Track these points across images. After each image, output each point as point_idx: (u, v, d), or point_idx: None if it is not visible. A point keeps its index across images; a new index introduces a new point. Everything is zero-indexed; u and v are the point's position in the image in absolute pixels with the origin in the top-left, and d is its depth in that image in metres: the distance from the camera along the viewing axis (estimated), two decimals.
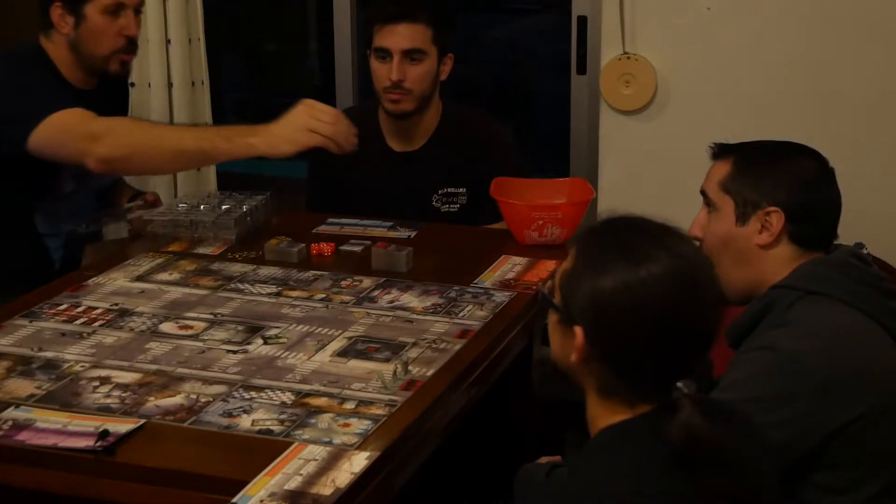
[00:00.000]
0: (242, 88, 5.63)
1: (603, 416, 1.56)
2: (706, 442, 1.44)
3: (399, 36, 2.92)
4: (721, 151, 2.12)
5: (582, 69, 3.59)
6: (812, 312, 1.95)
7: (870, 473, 1.92)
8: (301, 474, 1.72)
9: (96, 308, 2.37)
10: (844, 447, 1.89)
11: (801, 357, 1.89)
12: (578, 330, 1.53)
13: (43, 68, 2.81)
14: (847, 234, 2.20)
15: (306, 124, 2.60)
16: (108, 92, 2.92)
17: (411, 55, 2.93)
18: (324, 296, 2.44)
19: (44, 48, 2.84)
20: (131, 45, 2.86)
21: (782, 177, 2.03)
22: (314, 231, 2.85)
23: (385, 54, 2.93)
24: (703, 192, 2.12)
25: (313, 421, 1.89)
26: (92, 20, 2.79)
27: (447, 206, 3.06)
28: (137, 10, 2.85)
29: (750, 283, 2.06)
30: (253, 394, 1.99)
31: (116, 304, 2.39)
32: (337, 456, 1.78)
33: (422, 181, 3.03)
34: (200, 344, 2.20)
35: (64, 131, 2.65)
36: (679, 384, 1.46)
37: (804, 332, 1.92)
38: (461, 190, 3.06)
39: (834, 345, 1.91)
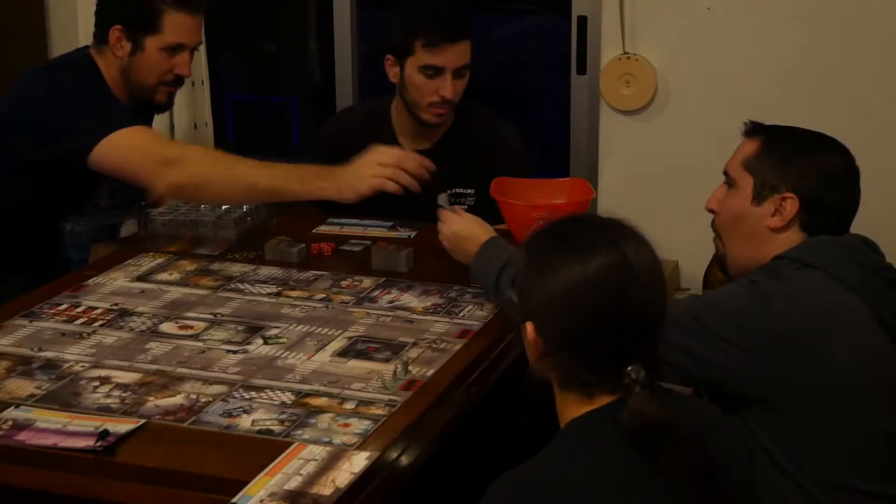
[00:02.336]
0: (242, 88, 5.63)
1: (567, 409, 1.60)
2: (657, 424, 1.48)
3: (454, 55, 2.93)
4: (753, 129, 2.13)
5: (582, 69, 3.59)
6: (805, 280, 1.97)
7: (823, 447, 1.91)
8: (301, 474, 1.72)
9: (96, 308, 2.37)
10: (794, 412, 1.90)
11: (777, 301, 1.91)
12: (529, 325, 1.60)
13: (97, 81, 2.78)
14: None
15: (369, 172, 2.57)
16: (143, 111, 2.90)
17: (460, 71, 2.95)
18: (324, 296, 2.44)
19: (94, 60, 2.81)
20: (179, 80, 2.85)
21: (806, 166, 2.05)
22: (314, 231, 2.85)
23: (435, 72, 2.93)
24: (725, 172, 2.13)
25: (313, 421, 1.89)
26: (149, 53, 2.76)
27: (455, 206, 3.06)
28: (194, 50, 2.84)
29: (755, 262, 2.07)
30: (253, 394, 1.99)
31: (116, 304, 2.39)
32: (337, 456, 1.78)
33: (431, 180, 3.03)
34: (200, 344, 2.20)
35: (136, 152, 2.63)
36: (629, 369, 1.51)
37: (790, 288, 1.94)
38: (470, 190, 3.05)
39: (813, 305, 1.93)
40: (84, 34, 3.78)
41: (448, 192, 3.04)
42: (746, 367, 1.90)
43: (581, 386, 1.58)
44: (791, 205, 2.03)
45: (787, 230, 2.05)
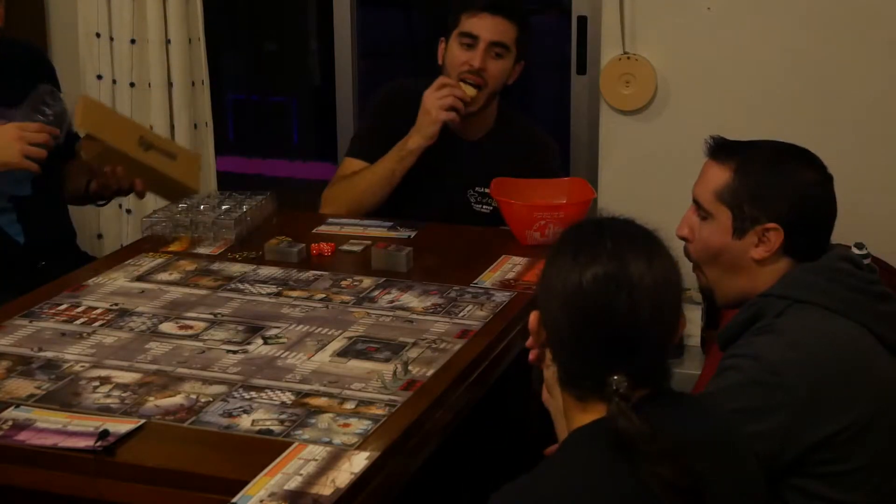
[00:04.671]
0: (242, 88, 5.63)
1: (566, 409, 1.60)
2: (631, 435, 1.48)
3: (491, 26, 2.94)
4: (718, 152, 2.05)
5: (582, 69, 3.59)
6: (798, 322, 1.93)
7: (859, 483, 1.90)
8: (301, 474, 1.72)
9: (96, 308, 2.37)
10: (830, 457, 1.88)
11: (784, 369, 1.87)
12: (533, 313, 1.62)
13: None
14: (847, 234, 2.20)
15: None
16: (17, 65, 2.91)
17: (496, 48, 2.95)
18: (324, 296, 2.44)
19: None
20: None
21: (783, 191, 1.98)
22: (314, 231, 2.85)
23: (471, 41, 2.94)
24: (695, 200, 2.06)
25: (313, 421, 1.89)
26: None
27: (480, 205, 3.05)
28: None
29: (742, 290, 2.03)
30: (253, 394, 1.99)
31: (116, 304, 2.39)
32: (337, 456, 1.78)
33: (465, 172, 3.03)
34: (200, 344, 2.20)
35: None
36: (612, 378, 1.51)
37: (789, 343, 1.90)
38: None
39: (818, 357, 1.89)
40: (84, 32, 3.79)
41: (476, 189, 3.05)
42: (770, 441, 1.86)
43: (574, 388, 1.57)
44: (775, 236, 1.97)
45: (772, 258, 1.99)
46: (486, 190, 3.02)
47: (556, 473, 1.54)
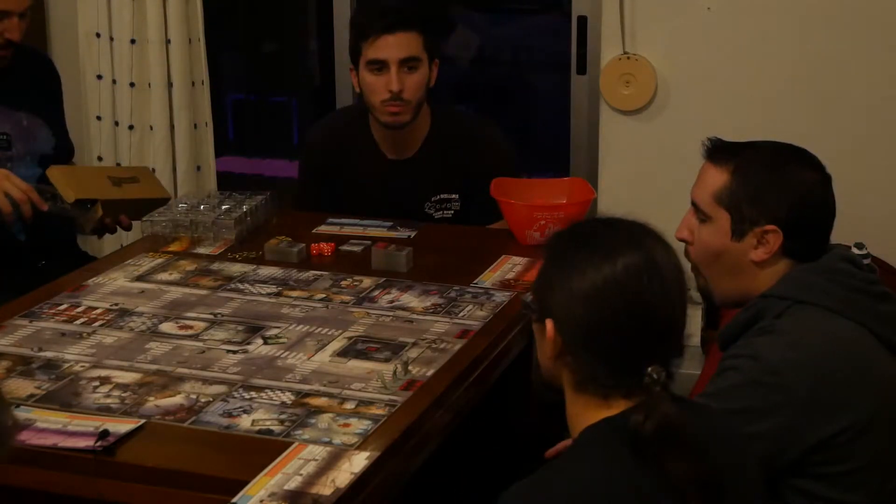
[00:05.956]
0: (242, 88, 5.63)
1: (580, 413, 1.58)
2: (676, 426, 1.47)
3: (395, 46, 2.87)
4: (716, 154, 2.05)
5: (582, 69, 3.59)
6: (799, 322, 1.93)
7: (859, 483, 1.90)
8: (301, 474, 1.72)
9: (96, 308, 2.37)
10: (830, 457, 1.88)
11: (784, 369, 1.87)
12: (549, 322, 1.58)
13: None
14: (847, 234, 2.19)
15: None
16: (26, 69, 2.96)
17: (408, 64, 2.89)
18: (324, 296, 2.44)
19: None
20: (9, 45, 2.85)
21: (782, 193, 1.97)
22: (314, 231, 2.85)
23: (381, 66, 2.88)
24: (693, 203, 2.06)
25: (313, 421, 1.89)
26: None
27: (441, 212, 3.04)
28: (22, 15, 2.84)
29: (742, 292, 2.03)
30: (253, 394, 1.99)
31: (116, 304, 2.39)
32: (337, 456, 1.78)
33: (414, 188, 3.01)
34: (200, 344, 2.20)
35: None
36: (650, 369, 1.50)
37: (788, 344, 1.90)
38: (454, 196, 3.04)
39: (818, 357, 1.89)
40: (84, 32, 3.79)
41: (432, 199, 3.03)
42: (770, 442, 1.86)
43: (598, 388, 1.55)
44: (774, 238, 1.97)
45: (771, 260, 1.99)
46: (442, 195, 3.01)
47: (569, 470, 1.53)
